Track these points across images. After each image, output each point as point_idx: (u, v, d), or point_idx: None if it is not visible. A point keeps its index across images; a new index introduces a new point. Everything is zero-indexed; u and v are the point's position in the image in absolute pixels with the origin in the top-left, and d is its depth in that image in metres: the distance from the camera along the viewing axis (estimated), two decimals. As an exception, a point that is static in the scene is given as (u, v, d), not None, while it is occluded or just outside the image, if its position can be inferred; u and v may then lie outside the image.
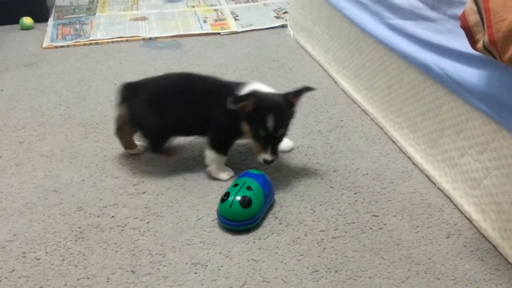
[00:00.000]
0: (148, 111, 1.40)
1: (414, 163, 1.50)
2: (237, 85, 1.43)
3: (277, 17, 2.75)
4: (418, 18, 1.41)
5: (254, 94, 1.33)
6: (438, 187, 1.40)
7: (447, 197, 1.36)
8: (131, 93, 1.44)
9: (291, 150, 1.58)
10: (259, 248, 1.20)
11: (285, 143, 1.55)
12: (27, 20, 2.64)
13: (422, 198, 1.37)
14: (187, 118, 1.43)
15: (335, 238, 1.23)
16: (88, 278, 1.12)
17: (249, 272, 1.14)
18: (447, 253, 1.19)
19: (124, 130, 1.51)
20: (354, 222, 1.28)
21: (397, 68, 1.55)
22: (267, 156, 1.34)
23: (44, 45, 2.42)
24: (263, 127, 1.30)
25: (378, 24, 1.61)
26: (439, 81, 1.34)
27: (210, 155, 1.44)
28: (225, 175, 1.45)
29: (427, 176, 1.45)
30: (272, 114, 1.30)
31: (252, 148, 1.42)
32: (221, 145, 1.44)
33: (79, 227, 1.27)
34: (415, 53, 1.42)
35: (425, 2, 1.37)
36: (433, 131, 1.42)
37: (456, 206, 1.33)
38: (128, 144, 1.55)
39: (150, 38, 2.51)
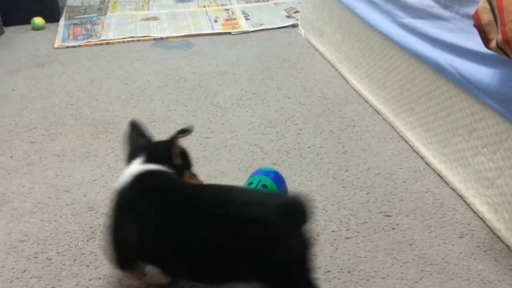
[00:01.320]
0: None
1: (426, 163, 1.49)
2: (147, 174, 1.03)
3: (288, 17, 2.75)
4: (430, 17, 1.40)
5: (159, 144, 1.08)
6: (451, 187, 1.39)
7: (460, 196, 1.35)
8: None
9: None
10: (271, 248, 1.20)
11: None
12: (38, 21, 2.66)
13: (435, 198, 1.36)
14: None
15: (347, 238, 1.23)
16: (100, 279, 1.13)
17: (261, 272, 1.14)
18: (460, 253, 1.18)
19: None
20: (366, 222, 1.27)
21: (409, 67, 1.54)
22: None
23: (56, 45, 2.44)
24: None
25: (390, 23, 1.59)
26: (451, 80, 1.33)
27: None
28: None
29: (439, 175, 1.43)
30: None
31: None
32: None
33: (91, 227, 1.28)
34: (427, 52, 1.41)
35: (437, 1, 1.36)
36: (445, 130, 1.40)
37: (469, 206, 1.32)
38: None
39: (161, 38, 2.52)
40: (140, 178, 1.02)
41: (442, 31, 1.34)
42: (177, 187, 1.03)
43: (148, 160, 1.05)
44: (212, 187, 1.08)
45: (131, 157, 1.07)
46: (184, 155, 1.10)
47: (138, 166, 1.04)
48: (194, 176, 1.13)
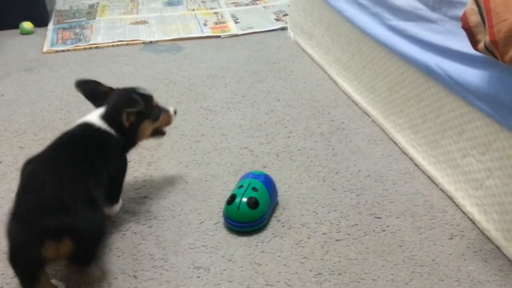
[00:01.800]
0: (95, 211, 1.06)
1: (416, 164, 1.50)
2: (87, 126, 1.21)
3: (277, 20, 2.76)
4: (418, 19, 1.41)
5: (114, 105, 1.22)
6: (440, 188, 1.40)
7: (450, 198, 1.36)
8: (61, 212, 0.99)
9: None
10: (262, 252, 1.20)
11: None
12: (27, 25, 2.64)
13: (425, 199, 1.37)
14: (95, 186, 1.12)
15: (338, 240, 1.23)
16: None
17: (252, 275, 1.13)
18: (450, 254, 1.19)
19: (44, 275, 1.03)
20: (357, 224, 1.28)
21: (398, 69, 1.55)
22: (171, 107, 1.36)
23: (45, 49, 2.42)
24: (147, 97, 1.27)
25: (379, 26, 1.60)
26: (440, 82, 1.34)
27: (115, 211, 1.28)
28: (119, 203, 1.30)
29: (429, 177, 1.44)
30: (134, 89, 1.27)
31: (161, 131, 1.36)
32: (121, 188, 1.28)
33: (81, 232, 1.27)
34: (416, 54, 1.41)
35: (425, 3, 1.37)
36: (434, 132, 1.41)
37: (458, 207, 1.33)
38: None
39: (151, 42, 2.51)
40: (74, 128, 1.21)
41: (430, 33, 1.35)
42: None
43: (103, 115, 1.22)
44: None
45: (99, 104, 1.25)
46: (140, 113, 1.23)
47: (89, 116, 1.23)
48: (166, 112, 1.34)
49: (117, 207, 1.30)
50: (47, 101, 1.93)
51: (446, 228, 1.27)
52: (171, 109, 1.36)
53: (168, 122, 1.36)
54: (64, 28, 2.68)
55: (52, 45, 2.47)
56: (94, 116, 1.22)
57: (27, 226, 0.97)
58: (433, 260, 1.17)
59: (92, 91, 1.27)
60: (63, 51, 2.42)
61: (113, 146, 1.21)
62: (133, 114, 1.21)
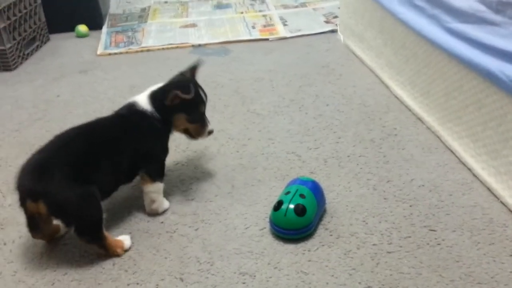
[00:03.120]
0: (76, 189, 1.11)
1: (474, 175, 1.41)
2: (130, 106, 1.33)
3: (326, 22, 2.71)
4: (480, 22, 1.33)
5: (170, 84, 1.33)
6: (501, 201, 1.31)
7: (511, 212, 1.27)
8: (41, 178, 1.10)
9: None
10: (309, 260, 1.17)
11: None
12: (82, 28, 2.74)
13: (484, 212, 1.29)
14: (116, 170, 1.23)
15: (389, 252, 1.18)
16: (137, 284, 1.13)
17: (298, 284, 1.10)
18: (511, 272, 1.11)
19: (45, 226, 1.20)
20: (410, 237, 1.22)
21: (457, 74, 1.47)
22: (211, 127, 1.36)
23: (98, 52, 2.50)
24: (201, 100, 1.33)
25: (436, 28, 1.53)
26: (503, 89, 1.25)
27: (156, 188, 1.31)
28: (167, 202, 1.36)
29: (489, 189, 1.36)
30: (198, 88, 1.34)
31: (192, 134, 1.37)
32: (162, 170, 1.34)
33: (130, 232, 1.28)
34: (476, 59, 1.34)
35: (488, 5, 1.30)
36: (496, 141, 1.33)
37: (521, 222, 1.24)
38: (51, 235, 1.25)
39: (199, 45, 2.53)
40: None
41: (493, 37, 1.27)
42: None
43: (152, 92, 1.32)
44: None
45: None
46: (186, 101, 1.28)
47: (140, 95, 1.34)
48: (203, 124, 1.35)
49: (159, 186, 1.32)
50: (100, 103, 1.98)
51: (507, 244, 1.19)
52: (209, 127, 1.36)
53: (198, 133, 1.36)
54: (117, 32, 2.76)
55: (105, 47, 2.55)
56: (144, 94, 1.33)
57: (20, 180, 1.12)
58: (492, 277, 1.10)
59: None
60: (115, 53, 2.49)
61: (149, 125, 1.28)
62: (179, 99, 1.27)
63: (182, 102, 1.28)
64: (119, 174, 1.25)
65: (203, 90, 1.36)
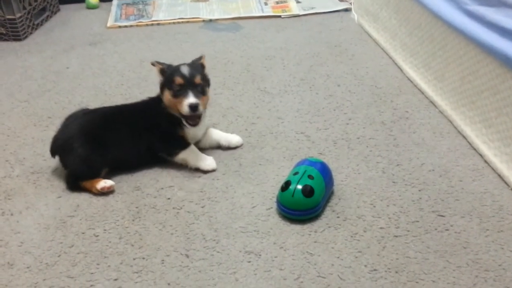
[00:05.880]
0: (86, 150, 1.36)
1: (486, 161, 1.39)
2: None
3: (340, 0, 2.65)
4: (500, 5, 1.29)
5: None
6: (511, 189, 1.29)
7: (522, 200, 1.26)
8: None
9: (240, 145, 1.51)
10: (315, 241, 1.16)
11: (233, 139, 1.52)
12: None
13: (494, 199, 1.27)
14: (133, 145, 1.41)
15: (396, 236, 1.17)
16: (143, 258, 1.14)
17: (304, 265, 1.10)
18: (519, 260, 1.10)
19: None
20: (417, 221, 1.21)
21: (473, 58, 1.44)
22: (191, 99, 1.34)
23: (108, 24, 2.48)
24: (178, 73, 1.36)
25: (454, 10, 1.49)
26: (522, 74, 1.22)
27: (183, 156, 1.42)
28: (210, 161, 1.42)
29: (500, 176, 1.34)
30: (183, 66, 1.40)
31: (179, 112, 1.38)
32: (176, 142, 1.42)
33: (137, 207, 1.29)
34: (495, 43, 1.30)
35: (510, -14, 1.25)
36: (510, 127, 1.30)
37: (532, 210, 1.22)
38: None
39: (210, 20, 2.50)
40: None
41: (513, 20, 1.23)
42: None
43: None
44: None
45: None
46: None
47: None
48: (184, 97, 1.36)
49: (184, 155, 1.41)
50: (109, 76, 1.97)
51: (516, 232, 1.17)
52: (189, 100, 1.34)
53: (181, 108, 1.35)
54: (127, 4, 2.72)
55: (115, 20, 2.52)
56: None
57: (53, 142, 1.41)
58: (499, 265, 1.09)
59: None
60: (126, 26, 2.46)
61: (159, 110, 1.40)
62: (159, 71, 1.40)
63: (165, 79, 1.38)
64: (135, 149, 1.41)
65: (193, 66, 1.41)
